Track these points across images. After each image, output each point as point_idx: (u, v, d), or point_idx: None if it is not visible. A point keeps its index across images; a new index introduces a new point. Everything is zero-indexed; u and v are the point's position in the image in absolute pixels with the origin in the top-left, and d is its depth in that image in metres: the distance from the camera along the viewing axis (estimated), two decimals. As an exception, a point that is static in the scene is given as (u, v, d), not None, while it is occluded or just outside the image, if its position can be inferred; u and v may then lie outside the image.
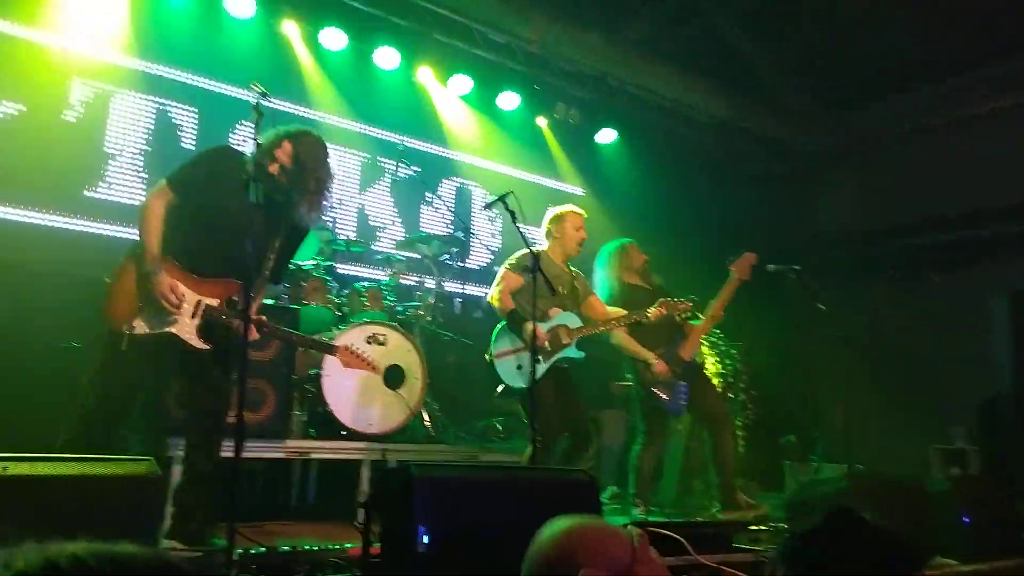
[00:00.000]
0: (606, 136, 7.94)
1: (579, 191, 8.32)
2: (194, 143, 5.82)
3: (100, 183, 5.44)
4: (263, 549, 2.85)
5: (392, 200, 6.93)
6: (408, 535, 2.35)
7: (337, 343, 3.79)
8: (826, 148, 8.12)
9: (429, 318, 5.43)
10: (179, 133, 5.80)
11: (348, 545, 2.93)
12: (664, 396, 4.56)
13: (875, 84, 7.39)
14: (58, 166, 5.28)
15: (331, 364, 4.49)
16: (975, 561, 3.37)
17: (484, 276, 6.67)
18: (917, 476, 4.47)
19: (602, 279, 4.90)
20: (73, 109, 5.40)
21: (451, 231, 6.77)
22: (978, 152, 7.07)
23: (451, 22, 6.37)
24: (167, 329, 3.05)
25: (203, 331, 3.10)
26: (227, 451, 3.06)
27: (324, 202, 3.34)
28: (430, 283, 5.63)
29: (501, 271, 4.45)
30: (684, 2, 6.77)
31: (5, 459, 1.61)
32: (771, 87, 7.73)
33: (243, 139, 5.83)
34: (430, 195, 6.53)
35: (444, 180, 7.28)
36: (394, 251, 5.87)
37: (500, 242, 7.58)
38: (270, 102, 3.05)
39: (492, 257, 7.42)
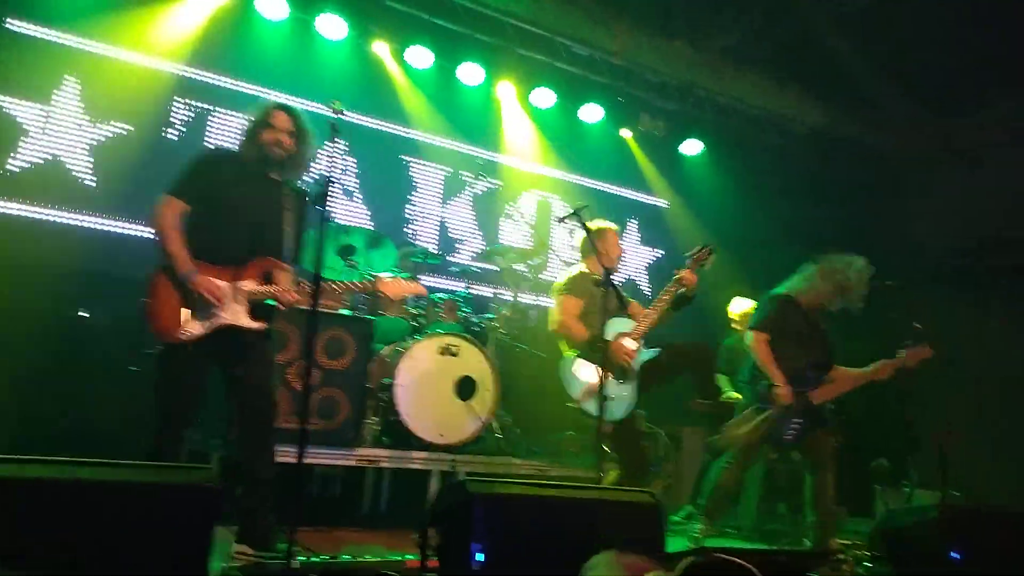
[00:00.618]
0: (692, 147, 7.78)
1: (664, 203, 8.20)
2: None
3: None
4: (325, 557, 2.91)
5: (473, 213, 7.01)
6: (464, 552, 2.35)
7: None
8: (927, 156, 7.67)
9: (504, 330, 5.45)
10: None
11: (409, 557, 2.95)
12: (774, 420, 4.35)
13: (980, 88, 6.93)
14: (160, 183, 5.56)
15: (403, 374, 4.58)
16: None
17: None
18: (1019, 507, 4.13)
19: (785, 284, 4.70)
20: (174, 127, 5.72)
21: (531, 244, 6.79)
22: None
23: (534, 36, 6.41)
24: (221, 322, 3.15)
25: (252, 312, 3.22)
26: (289, 456, 3.15)
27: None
28: (506, 295, 5.65)
29: (555, 298, 4.33)
30: (774, 7, 6.57)
31: (69, 462, 1.71)
32: (869, 93, 7.38)
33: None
34: (510, 208, 6.58)
35: (524, 193, 7.31)
36: (471, 263, 5.91)
37: (579, 256, 7.52)
38: (353, 118, 3.17)
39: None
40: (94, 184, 5.42)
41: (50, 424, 4.50)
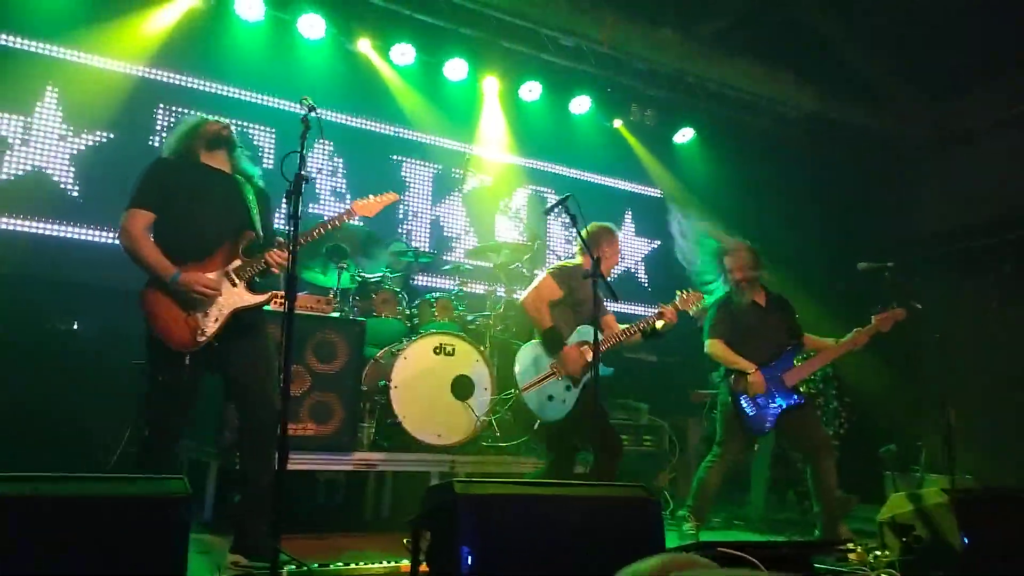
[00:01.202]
0: (684, 135, 7.71)
1: (657, 192, 8.11)
2: (272, 162, 5.98)
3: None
4: (315, 566, 2.84)
5: (465, 211, 6.93)
6: (452, 556, 2.27)
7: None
8: (925, 139, 7.57)
9: (500, 327, 5.37)
10: (259, 154, 5.98)
11: (404, 561, 2.88)
12: (750, 410, 4.32)
13: (977, 67, 6.83)
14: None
15: (399, 375, 4.50)
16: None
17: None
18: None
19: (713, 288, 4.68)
20: (158, 134, 5.65)
21: (524, 239, 6.71)
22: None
23: (519, 28, 6.32)
24: (228, 310, 3.13)
25: (250, 287, 3.22)
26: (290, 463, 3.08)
27: None
28: (501, 291, 5.57)
29: (542, 276, 4.21)
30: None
31: (33, 479, 1.63)
32: (863, 75, 7.28)
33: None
34: (503, 203, 6.49)
35: (518, 188, 7.23)
36: (464, 260, 5.84)
37: (574, 249, 7.44)
38: (340, 118, 3.14)
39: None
40: (78, 194, 5.35)
41: (37, 435, 4.43)
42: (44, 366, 4.77)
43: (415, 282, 6.24)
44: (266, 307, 3.31)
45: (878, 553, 3.61)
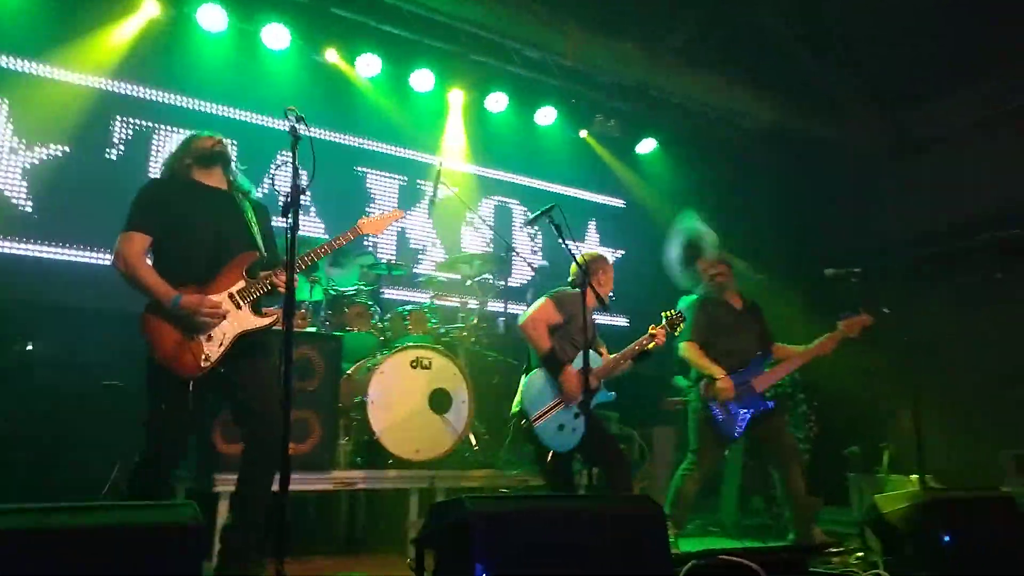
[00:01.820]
0: (647, 146, 7.80)
1: (620, 203, 8.19)
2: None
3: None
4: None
5: (432, 222, 6.88)
6: (464, 574, 2.22)
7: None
8: (884, 147, 7.81)
9: (473, 339, 5.33)
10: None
11: (399, 581, 2.81)
12: (720, 415, 4.37)
13: (933, 79, 7.07)
14: (103, 205, 5.32)
15: (375, 390, 4.42)
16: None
17: (527, 294, 6.56)
18: (1003, 489, 4.17)
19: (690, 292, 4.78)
20: (115, 147, 5.47)
21: (491, 250, 6.69)
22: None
23: (485, 41, 6.33)
24: (233, 334, 3.03)
25: (255, 309, 3.12)
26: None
27: None
28: (473, 304, 5.53)
29: (542, 299, 4.21)
30: (723, 4, 6.60)
31: (42, 509, 1.53)
32: (822, 87, 7.48)
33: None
34: (471, 214, 6.46)
35: (484, 199, 7.21)
36: (436, 273, 5.78)
37: (541, 259, 7.48)
38: (308, 130, 3.07)
39: (533, 275, 7.31)
40: (31, 210, 5.13)
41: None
42: (-3, 389, 4.54)
43: (383, 295, 6.16)
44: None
45: (860, 554, 3.69)
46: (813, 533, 4.41)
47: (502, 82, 6.76)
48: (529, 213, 7.35)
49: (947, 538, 3.28)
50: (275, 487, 2.63)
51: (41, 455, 4.37)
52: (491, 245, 7.02)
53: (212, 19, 5.56)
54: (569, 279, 4.40)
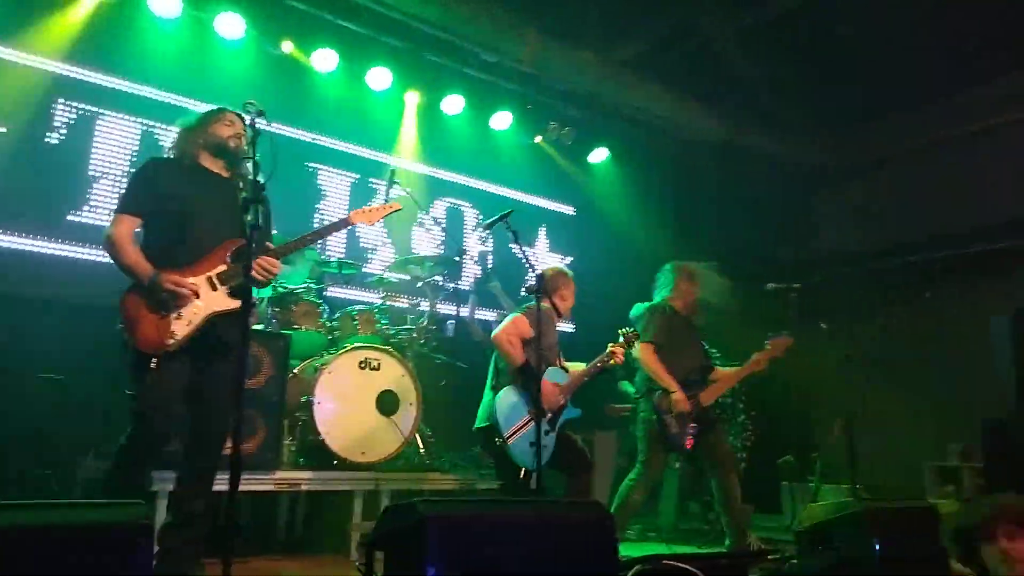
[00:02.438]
0: (599, 155, 7.90)
1: (570, 210, 8.28)
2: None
3: (84, 207, 5.31)
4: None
5: (382, 221, 6.80)
6: (415, 576, 2.22)
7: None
8: (827, 165, 8.09)
9: (422, 341, 5.31)
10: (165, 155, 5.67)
11: (345, 584, 2.79)
12: (673, 428, 4.46)
13: (876, 101, 7.37)
14: (41, 189, 5.15)
15: (323, 391, 4.37)
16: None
17: (478, 298, 6.58)
18: (917, 496, 4.37)
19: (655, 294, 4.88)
20: (56, 131, 5.28)
21: (443, 252, 6.67)
22: (980, 168, 7.07)
23: (442, 42, 6.31)
24: (204, 314, 2.98)
25: (232, 293, 3.06)
26: (219, 484, 2.93)
27: None
28: (423, 305, 5.51)
29: (515, 314, 4.25)
30: (678, 21, 6.74)
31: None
32: (769, 105, 7.70)
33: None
34: (423, 216, 6.43)
35: (436, 200, 7.19)
36: (386, 273, 5.75)
37: (492, 263, 7.49)
38: (267, 125, 3.04)
39: (491, 268, 7.31)
40: (-36, 191, 4.91)
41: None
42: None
43: (330, 294, 6.08)
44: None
45: (794, 561, 3.81)
46: (748, 540, 4.55)
47: (458, 84, 6.75)
48: (481, 216, 7.38)
49: (877, 546, 3.42)
50: (223, 487, 2.56)
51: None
52: (442, 247, 7.00)
53: (165, 5, 5.42)
54: (524, 289, 4.46)
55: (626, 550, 4.56)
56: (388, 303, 5.38)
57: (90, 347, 3.81)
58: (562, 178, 8.03)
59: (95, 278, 4.89)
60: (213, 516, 3.03)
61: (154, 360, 2.86)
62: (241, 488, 3.91)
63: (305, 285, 5.05)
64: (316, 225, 6.39)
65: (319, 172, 6.52)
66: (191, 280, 2.98)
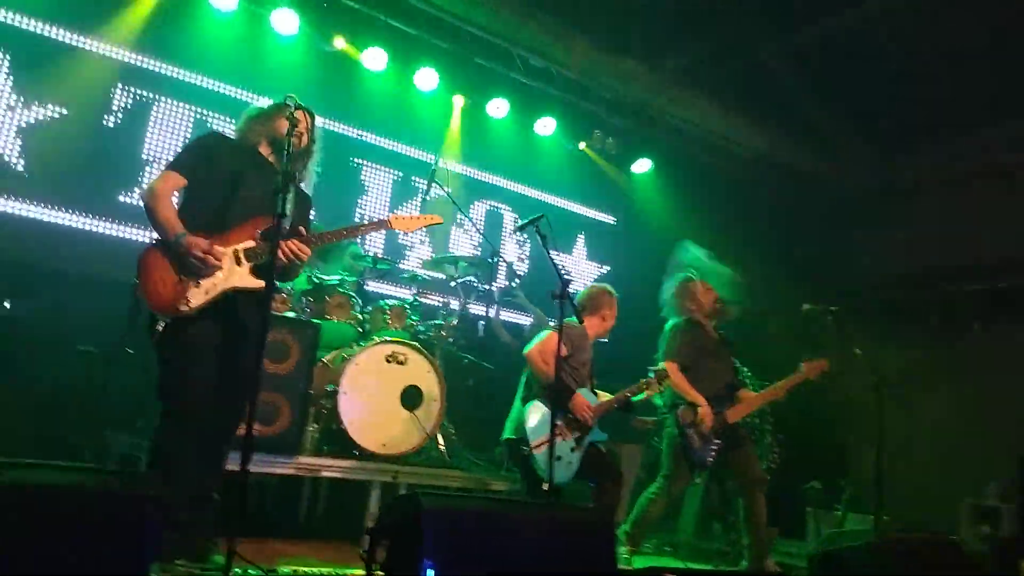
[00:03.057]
0: (642, 166, 7.86)
1: (611, 219, 8.27)
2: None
3: (136, 188, 5.50)
4: (262, 570, 2.77)
5: (423, 230, 6.89)
6: (413, 568, 2.26)
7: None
8: (870, 189, 7.94)
9: (451, 339, 5.37)
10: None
11: (351, 571, 2.84)
12: (696, 443, 4.44)
13: (923, 127, 7.22)
14: (96, 170, 5.35)
15: (349, 381, 4.45)
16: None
17: (511, 301, 6.62)
18: (951, 533, 4.25)
19: (670, 313, 4.86)
20: (114, 115, 5.48)
21: (479, 253, 6.73)
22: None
23: (491, 46, 6.37)
24: (223, 287, 2.98)
25: (256, 272, 3.06)
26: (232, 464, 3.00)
27: None
28: (455, 304, 5.57)
29: (548, 331, 4.32)
30: (728, 36, 6.69)
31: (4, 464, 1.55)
32: (815, 124, 7.59)
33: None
34: (461, 216, 6.49)
35: (476, 202, 7.26)
36: (420, 270, 5.82)
37: (527, 267, 7.53)
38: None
39: (518, 282, 7.35)
40: (22, 169, 5.12)
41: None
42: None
43: (366, 287, 6.18)
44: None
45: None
46: (766, 563, 4.49)
47: (504, 88, 6.80)
48: (520, 220, 7.41)
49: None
50: (235, 467, 2.63)
51: (5, 414, 4.36)
52: (479, 249, 7.07)
53: (223, -1, 5.59)
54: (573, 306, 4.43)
55: (639, 563, 4.57)
56: (420, 300, 5.44)
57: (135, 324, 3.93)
58: (604, 187, 8.03)
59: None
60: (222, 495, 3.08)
61: (161, 323, 2.87)
62: (262, 470, 4.08)
63: (339, 277, 5.14)
64: (356, 220, 6.54)
65: (363, 168, 6.64)
66: (219, 248, 2.99)
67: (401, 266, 6.35)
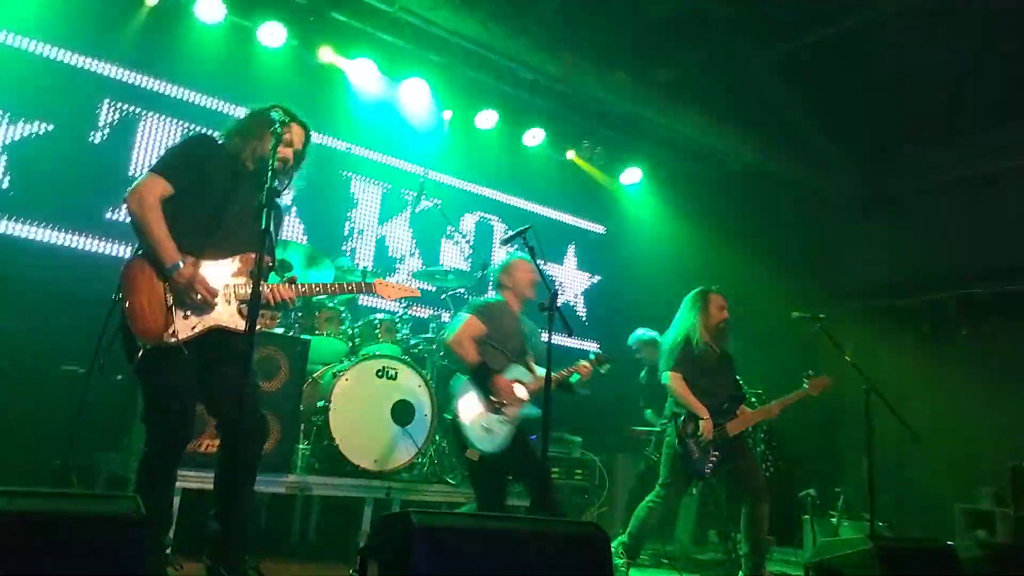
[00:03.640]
0: (631, 176, 7.87)
1: (600, 228, 8.27)
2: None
3: (123, 206, 5.44)
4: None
5: (411, 232, 6.90)
6: (405, 588, 2.23)
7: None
8: (856, 197, 7.99)
9: (442, 353, 5.33)
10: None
11: (343, 591, 2.80)
12: (695, 453, 4.42)
13: (908, 135, 7.29)
14: (82, 186, 5.31)
15: (339, 397, 4.41)
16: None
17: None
18: (945, 541, 4.24)
19: (677, 323, 4.79)
20: (100, 130, 5.45)
21: (469, 265, 6.72)
22: (1009, 207, 6.91)
23: (479, 57, 6.37)
24: (210, 323, 2.83)
25: (241, 311, 2.91)
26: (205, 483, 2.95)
27: None
28: (446, 317, 5.55)
29: (462, 314, 4.14)
30: (716, 47, 6.72)
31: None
32: (803, 134, 7.63)
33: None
34: (451, 228, 6.48)
35: (466, 214, 7.25)
36: (411, 283, 5.79)
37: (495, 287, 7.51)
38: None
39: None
40: (8, 186, 5.08)
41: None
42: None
43: (357, 301, 6.16)
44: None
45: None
46: (762, 573, 4.47)
47: (493, 99, 6.80)
48: (508, 231, 7.41)
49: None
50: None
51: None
52: (469, 260, 7.05)
53: (209, 11, 5.56)
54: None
55: (636, 575, 4.54)
56: (410, 313, 5.42)
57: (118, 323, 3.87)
58: (594, 197, 8.04)
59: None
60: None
61: (141, 351, 2.70)
62: (255, 488, 4.03)
63: (329, 292, 5.11)
64: (346, 233, 6.52)
65: (352, 180, 6.62)
66: (214, 285, 2.85)
67: (390, 280, 6.31)
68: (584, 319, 7.98)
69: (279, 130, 2.91)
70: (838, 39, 6.36)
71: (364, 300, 6.21)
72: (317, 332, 4.90)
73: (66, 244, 5.20)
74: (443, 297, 5.64)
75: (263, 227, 2.72)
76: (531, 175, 7.58)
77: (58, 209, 5.18)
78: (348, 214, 6.56)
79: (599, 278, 8.10)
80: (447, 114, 6.89)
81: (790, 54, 6.66)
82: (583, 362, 4.22)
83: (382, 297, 3.45)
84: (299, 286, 3.12)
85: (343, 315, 5.11)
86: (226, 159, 3.05)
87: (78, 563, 1.65)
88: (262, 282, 2.74)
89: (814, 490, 6.36)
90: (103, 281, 5.01)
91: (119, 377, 4.06)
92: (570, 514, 5.23)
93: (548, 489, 3.94)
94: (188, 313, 2.81)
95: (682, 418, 4.49)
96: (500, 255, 7.39)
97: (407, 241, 6.88)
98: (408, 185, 6.78)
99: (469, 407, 3.93)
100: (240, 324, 2.88)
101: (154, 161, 2.98)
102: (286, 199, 3.40)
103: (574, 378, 4.15)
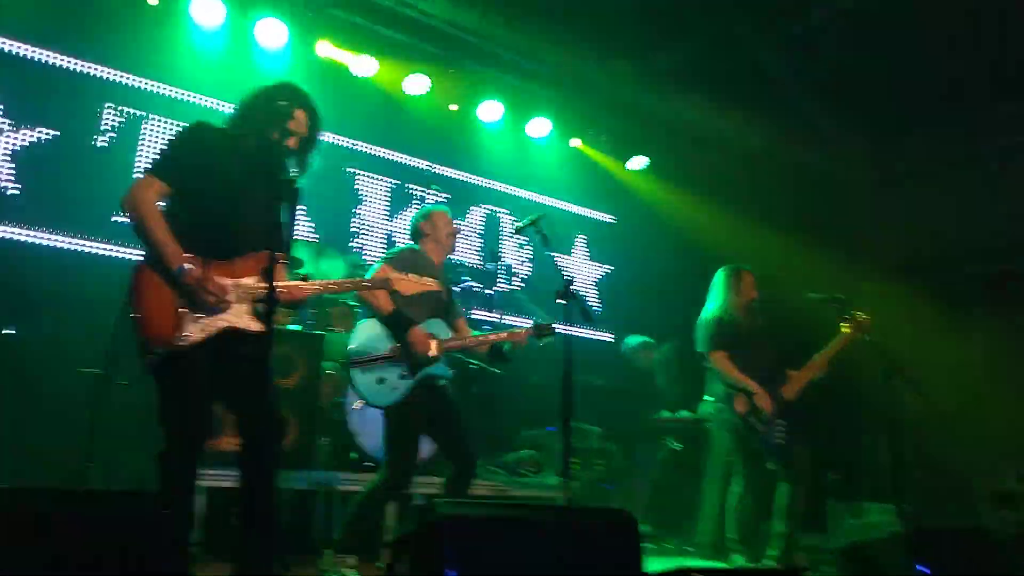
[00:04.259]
0: (637, 163, 7.80)
1: (609, 218, 8.21)
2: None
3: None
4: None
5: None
6: (435, 579, 2.19)
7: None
8: (866, 178, 7.90)
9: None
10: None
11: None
12: (761, 429, 4.33)
13: (917, 113, 7.19)
14: (88, 191, 5.28)
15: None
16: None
17: (512, 303, 6.57)
18: (971, 519, 4.18)
19: (710, 302, 4.76)
20: (105, 135, 5.42)
21: (480, 258, 6.68)
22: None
23: (481, 49, 6.32)
24: (222, 324, 2.72)
25: (254, 312, 2.80)
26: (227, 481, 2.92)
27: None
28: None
29: (378, 265, 3.82)
30: (718, 31, 6.64)
31: (9, 492, 1.48)
32: (809, 116, 7.54)
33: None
34: (459, 222, 6.43)
35: (473, 207, 7.20)
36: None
37: (529, 269, 7.47)
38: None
39: (522, 284, 7.31)
40: (18, 192, 5.06)
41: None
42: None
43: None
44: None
45: (834, 580, 3.68)
46: (796, 558, 4.40)
47: (496, 91, 6.75)
48: (518, 222, 7.35)
49: (922, 568, 3.27)
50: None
51: (7, 440, 4.27)
52: (479, 253, 7.01)
53: (207, 12, 5.52)
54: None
55: (657, 564, 4.48)
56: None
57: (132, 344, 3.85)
58: (602, 186, 7.98)
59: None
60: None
61: (151, 354, 2.64)
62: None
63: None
64: (354, 230, 6.49)
65: (358, 177, 6.58)
66: (226, 283, 2.73)
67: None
68: (599, 311, 7.92)
69: (287, 110, 2.81)
70: (840, 17, 6.27)
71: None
72: (330, 328, 4.86)
73: (76, 248, 5.18)
74: (457, 290, 5.58)
75: (276, 221, 2.67)
76: (538, 166, 7.53)
77: (66, 214, 5.16)
78: (354, 210, 6.52)
79: (611, 268, 8.03)
80: (451, 106, 6.82)
81: (793, 34, 6.57)
82: (518, 328, 4.02)
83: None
84: (313, 284, 3.04)
85: (356, 310, 5.06)
86: (229, 146, 2.88)
87: (102, 562, 1.62)
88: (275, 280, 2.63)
89: (838, 473, 6.29)
90: (113, 284, 5.01)
91: (125, 383, 4.01)
92: (588, 504, 5.17)
93: (467, 467, 3.78)
94: (199, 315, 2.71)
95: (736, 396, 4.40)
96: (510, 247, 7.35)
97: (418, 236, 6.82)
98: (414, 180, 6.76)
99: (363, 355, 3.64)
100: (253, 325, 2.78)
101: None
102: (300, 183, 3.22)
103: (506, 345, 3.90)
